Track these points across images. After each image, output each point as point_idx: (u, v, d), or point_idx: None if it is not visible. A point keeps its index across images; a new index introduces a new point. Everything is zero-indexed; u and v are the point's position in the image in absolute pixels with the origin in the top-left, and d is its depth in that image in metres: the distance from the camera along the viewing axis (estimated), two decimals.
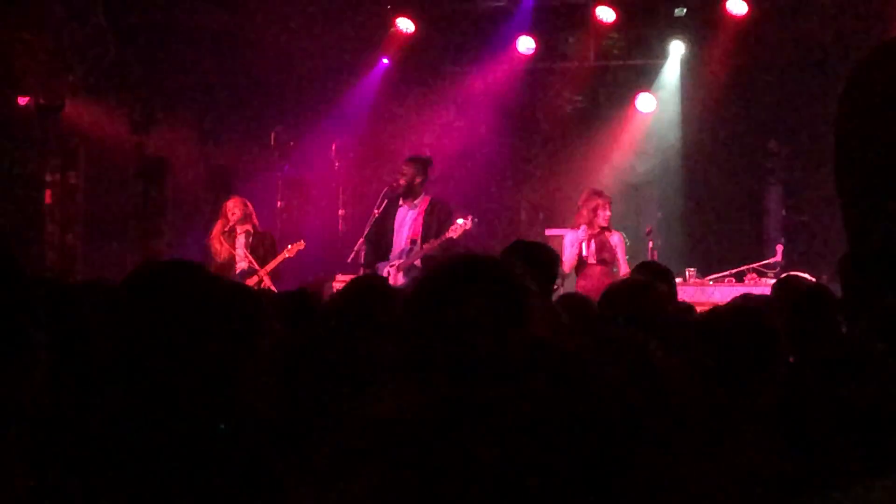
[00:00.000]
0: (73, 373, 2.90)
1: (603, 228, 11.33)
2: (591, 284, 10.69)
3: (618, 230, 11.63)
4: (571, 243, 11.30)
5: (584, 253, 11.22)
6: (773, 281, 10.21)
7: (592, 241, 11.22)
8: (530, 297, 2.94)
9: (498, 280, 2.88)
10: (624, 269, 11.44)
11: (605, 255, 11.23)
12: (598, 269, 11.20)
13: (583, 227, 11.34)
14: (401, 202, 11.57)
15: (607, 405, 1.60)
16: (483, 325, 2.75)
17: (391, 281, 10.85)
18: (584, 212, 11.41)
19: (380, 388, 2.97)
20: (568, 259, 11.06)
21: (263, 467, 2.71)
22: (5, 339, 2.29)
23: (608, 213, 11.41)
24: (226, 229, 11.97)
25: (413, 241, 11.39)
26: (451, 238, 11.19)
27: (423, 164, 11.81)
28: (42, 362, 2.40)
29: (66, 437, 2.50)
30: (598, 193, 11.59)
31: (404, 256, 11.37)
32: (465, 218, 11.26)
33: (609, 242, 11.32)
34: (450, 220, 11.35)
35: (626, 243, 11.63)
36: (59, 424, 2.54)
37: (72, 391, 2.80)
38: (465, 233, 11.29)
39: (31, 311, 2.35)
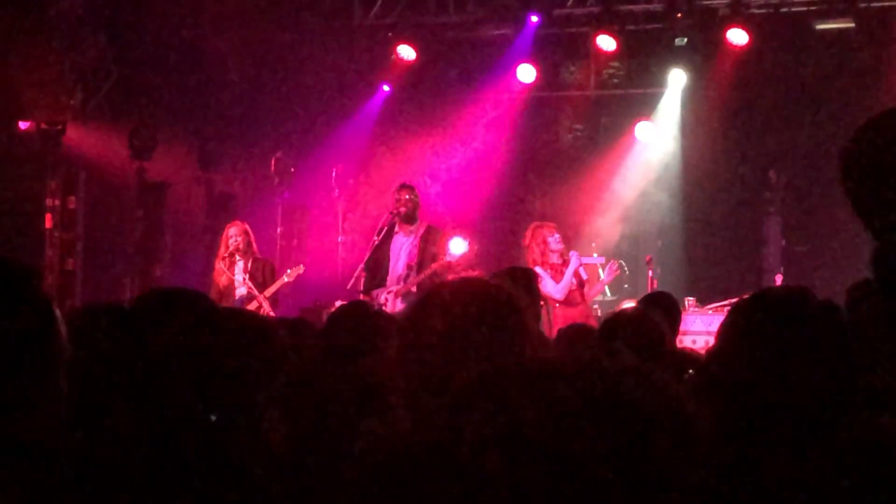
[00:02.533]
0: (89, 396, 2.90)
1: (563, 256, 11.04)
2: (576, 313, 10.54)
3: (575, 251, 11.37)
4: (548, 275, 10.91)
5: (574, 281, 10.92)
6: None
7: (552, 273, 10.84)
8: (527, 319, 2.94)
9: (496, 304, 2.88)
10: (591, 289, 11.27)
11: (576, 280, 10.99)
12: (577, 296, 10.92)
13: (574, 253, 11.15)
14: (396, 229, 11.58)
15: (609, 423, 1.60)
16: (480, 346, 2.75)
17: (389, 307, 10.86)
18: (533, 247, 11.06)
19: (381, 412, 2.97)
20: (563, 287, 10.72)
21: (273, 491, 2.71)
22: (30, 364, 2.30)
23: (558, 235, 11.10)
24: (226, 255, 11.96)
25: (410, 268, 11.40)
26: (450, 263, 11.19)
27: (415, 190, 11.83)
28: (63, 387, 2.41)
29: (82, 461, 2.50)
30: (539, 225, 11.27)
31: (402, 283, 11.37)
32: (463, 241, 11.26)
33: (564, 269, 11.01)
34: (445, 246, 11.36)
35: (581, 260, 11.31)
36: (77, 448, 2.54)
37: (89, 415, 2.80)
38: (463, 256, 11.27)
39: (54, 336, 2.36)
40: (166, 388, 2.71)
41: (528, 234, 11.19)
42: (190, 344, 2.78)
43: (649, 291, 11.09)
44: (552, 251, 10.91)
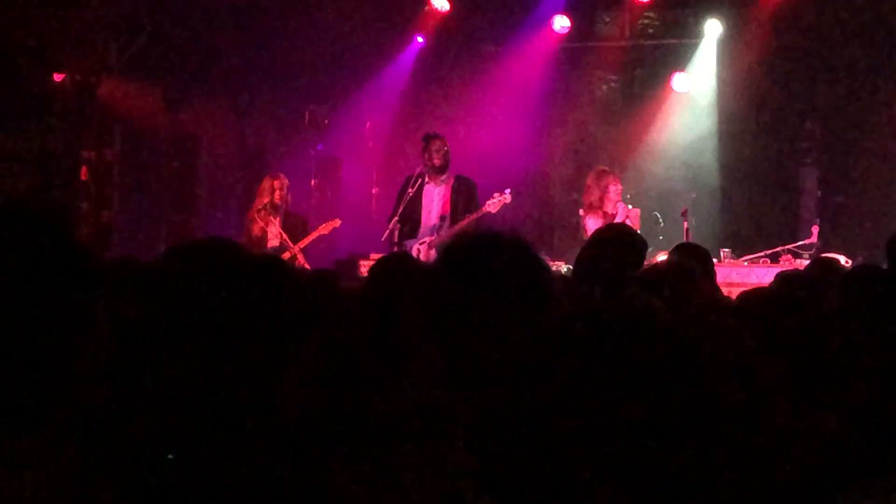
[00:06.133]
0: (124, 354, 2.91)
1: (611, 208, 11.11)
2: None
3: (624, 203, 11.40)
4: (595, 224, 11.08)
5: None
6: (808, 262, 10.15)
7: (604, 220, 10.99)
8: (549, 272, 2.95)
9: (520, 256, 2.87)
10: None
11: None
12: None
13: (621, 204, 11.20)
14: (427, 179, 11.52)
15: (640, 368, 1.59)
16: (507, 298, 2.75)
17: (423, 257, 10.86)
18: (594, 190, 11.21)
19: (415, 368, 2.97)
20: None
21: (305, 447, 2.72)
22: (73, 322, 2.31)
23: (619, 187, 11.20)
24: (261, 208, 12.03)
25: (443, 218, 11.37)
26: (489, 212, 11.16)
27: (445, 140, 11.78)
28: (104, 345, 2.41)
29: (120, 421, 2.52)
30: (606, 172, 11.42)
31: (435, 233, 11.35)
32: (501, 193, 11.21)
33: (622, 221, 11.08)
34: (475, 196, 11.33)
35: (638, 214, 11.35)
36: (115, 407, 2.56)
37: (124, 372, 2.82)
38: (504, 207, 11.24)
39: (96, 293, 2.36)
40: (194, 342, 2.72)
41: (592, 176, 11.36)
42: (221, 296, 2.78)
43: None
44: (610, 200, 11.05)
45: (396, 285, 4.81)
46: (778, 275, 6.10)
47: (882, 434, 2.47)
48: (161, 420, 2.54)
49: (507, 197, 11.16)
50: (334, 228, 12.21)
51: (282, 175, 12.35)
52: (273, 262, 3.36)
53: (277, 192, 12.02)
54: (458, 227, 11.14)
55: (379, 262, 5.71)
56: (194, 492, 2.41)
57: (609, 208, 11.09)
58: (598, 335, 1.62)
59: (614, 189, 11.14)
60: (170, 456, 2.36)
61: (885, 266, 5.67)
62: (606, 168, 11.63)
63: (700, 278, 5.42)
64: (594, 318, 1.66)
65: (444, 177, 11.46)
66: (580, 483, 1.55)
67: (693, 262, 5.87)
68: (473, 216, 11.12)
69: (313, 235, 12.08)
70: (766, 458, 2.33)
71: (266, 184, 12.17)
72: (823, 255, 8.50)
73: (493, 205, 11.14)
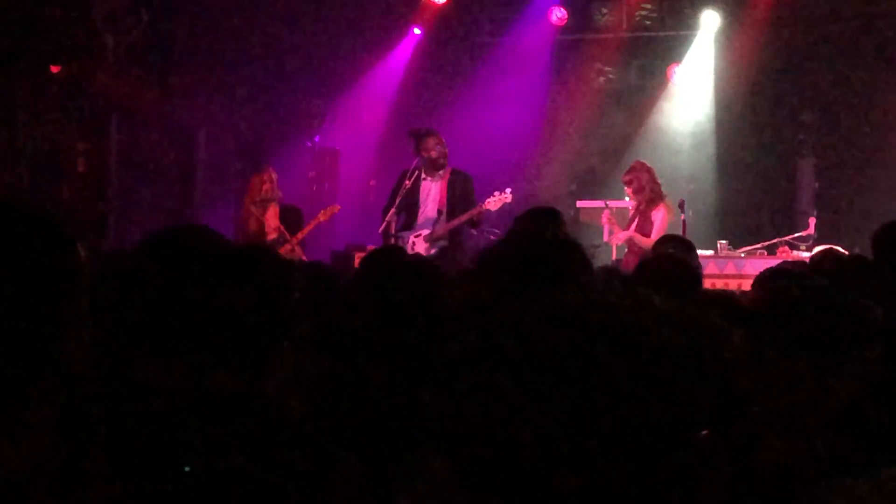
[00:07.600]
0: (109, 339, 2.91)
1: (651, 201, 11.10)
2: (629, 258, 10.63)
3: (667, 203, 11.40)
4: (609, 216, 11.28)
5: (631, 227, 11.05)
6: (806, 254, 10.16)
7: (638, 215, 11.02)
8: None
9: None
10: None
11: (647, 230, 10.99)
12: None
13: (626, 201, 11.24)
14: (424, 174, 11.49)
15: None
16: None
17: (417, 249, 10.85)
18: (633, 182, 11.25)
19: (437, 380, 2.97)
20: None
21: (300, 438, 2.71)
22: (58, 308, 2.30)
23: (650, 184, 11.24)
24: (256, 200, 12.05)
25: (440, 212, 11.36)
26: (489, 210, 11.14)
27: (440, 135, 11.76)
28: (87, 331, 2.41)
29: (104, 407, 2.51)
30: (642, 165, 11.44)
31: (430, 226, 11.32)
32: (502, 192, 11.17)
33: (651, 216, 11.10)
34: (471, 190, 11.31)
35: (670, 217, 11.34)
36: (99, 393, 2.55)
37: (108, 357, 2.81)
38: (504, 206, 11.19)
39: (79, 279, 2.36)
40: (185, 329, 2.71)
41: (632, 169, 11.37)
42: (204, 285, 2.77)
43: (682, 235, 11.08)
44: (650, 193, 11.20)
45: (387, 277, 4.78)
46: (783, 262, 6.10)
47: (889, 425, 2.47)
48: (145, 402, 2.54)
49: (508, 196, 11.12)
50: (333, 215, 12.24)
51: (269, 168, 12.39)
52: (252, 251, 3.34)
53: (265, 185, 12.04)
54: (455, 221, 11.13)
55: (370, 254, 5.70)
56: (177, 476, 2.40)
57: (641, 203, 11.13)
58: (549, 330, 1.60)
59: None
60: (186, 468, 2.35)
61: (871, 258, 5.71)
62: (643, 162, 11.62)
63: (696, 268, 5.43)
64: (550, 312, 1.65)
65: (441, 172, 11.43)
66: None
67: (692, 254, 5.87)
68: (473, 212, 11.09)
69: (312, 224, 12.15)
70: (750, 452, 2.33)
71: (255, 180, 12.22)
72: (827, 245, 8.46)
73: (493, 203, 11.11)
